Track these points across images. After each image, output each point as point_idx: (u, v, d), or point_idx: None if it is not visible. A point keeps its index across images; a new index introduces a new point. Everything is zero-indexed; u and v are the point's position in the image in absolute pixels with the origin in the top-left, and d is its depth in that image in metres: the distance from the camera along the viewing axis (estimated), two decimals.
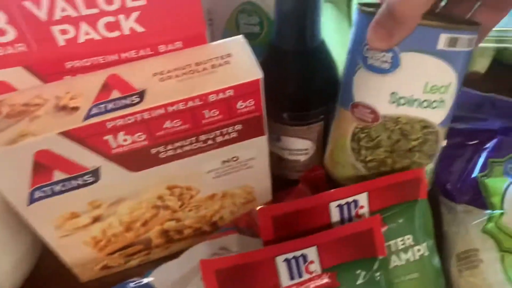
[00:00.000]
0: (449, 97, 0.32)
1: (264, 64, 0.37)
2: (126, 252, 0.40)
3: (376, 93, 0.32)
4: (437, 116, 0.32)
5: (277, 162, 0.43)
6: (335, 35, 0.49)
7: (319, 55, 0.36)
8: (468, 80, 0.53)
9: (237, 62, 0.31)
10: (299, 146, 0.40)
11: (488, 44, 0.50)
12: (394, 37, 0.28)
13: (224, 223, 0.41)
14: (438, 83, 0.31)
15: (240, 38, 0.33)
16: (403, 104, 0.31)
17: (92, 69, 0.32)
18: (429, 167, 0.36)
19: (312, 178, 0.42)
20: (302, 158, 0.41)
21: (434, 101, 0.31)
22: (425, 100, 0.31)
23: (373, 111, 0.32)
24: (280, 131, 0.39)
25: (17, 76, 0.31)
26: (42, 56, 0.30)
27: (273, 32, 0.36)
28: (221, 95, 0.30)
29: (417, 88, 0.31)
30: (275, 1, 0.32)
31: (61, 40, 0.30)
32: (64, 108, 0.29)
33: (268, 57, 0.37)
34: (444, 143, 0.36)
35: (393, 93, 0.31)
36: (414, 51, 0.29)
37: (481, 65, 0.52)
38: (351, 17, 0.52)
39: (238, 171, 0.36)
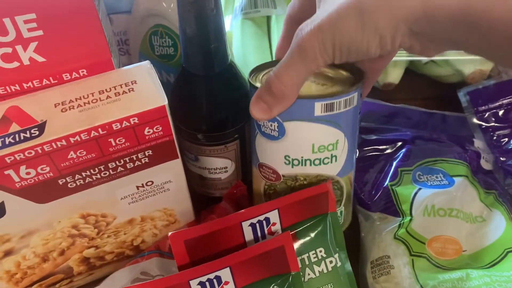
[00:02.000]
0: (340, 151, 0.34)
1: (176, 86, 0.38)
2: (46, 283, 0.39)
3: (273, 156, 0.35)
4: (332, 169, 0.35)
5: (199, 181, 0.43)
6: (255, 52, 0.50)
7: (227, 77, 0.37)
8: (383, 91, 0.56)
9: (142, 89, 0.31)
10: (218, 165, 0.41)
11: (400, 58, 0.52)
12: (273, 110, 0.31)
13: (147, 247, 0.41)
14: (325, 143, 0.33)
15: (147, 63, 0.33)
16: (297, 165, 0.34)
17: None
18: (339, 210, 0.38)
19: (234, 196, 0.43)
20: (223, 176, 0.42)
21: (325, 158, 0.34)
22: (316, 159, 0.34)
23: (274, 171, 0.36)
24: (197, 151, 0.40)
25: None
26: None
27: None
28: (125, 123, 0.30)
29: (306, 150, 0.34)
30: (178, 27, 0.33)
31: None
32: None
33: (180, 79, 0.38)
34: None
35: (286, 156, 0.34)
36: (295, 120, 0.32)
37: (395, 76, 0.55)
38: (271, 34, 0.53)
39: (154, 194, 0.37)
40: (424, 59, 0.55)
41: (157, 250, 0.39)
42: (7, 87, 0.31)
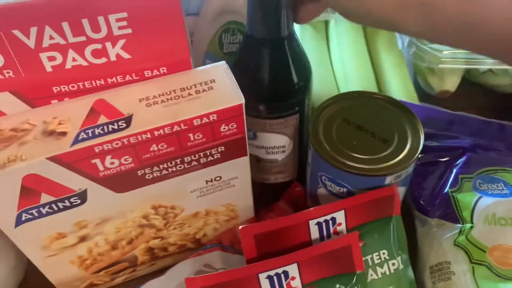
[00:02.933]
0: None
1: (239, 57, 0.38)
2: (112, 270, 0.41)
3: None
4: None
5: (255, 166, 0.43)
6: (314, 54, 0.51)
7: (290, 44, 0.37)
8: (439, 99, 0.56)
9: (220, 88, 0.33)
10: (276, 143, 0.41)
11: (457, 66, 0.52)
12: None
13: (207, 240, 0.42)
14: None
15: (223, 64, 0.35)
16: None
17: (79, 94, 0.33)
18: None
19: (292, 195, 0.44)
20: (280, 157, 0.42)
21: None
22: None
23: None
24: (257, 126, 0.40)
25: (4, 101, 0.32)
26: (29, 82, 0.31)
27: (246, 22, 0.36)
28: (205, 120, 0.31)
29: None
30: None
31: (48, 66, 0.31)
32: (52, 133, 0.30)
33: (243, 49, 0.38)
34: None
35: None
36: (366, 189, 0.37)
37: (451, 83, 0.55)
38: (329, 37, 0.54)
39: (221, 190, 0.38)
40: (481, 68, 0.54)
41: (219, 243, 0.40)
42: (93, 81, 0.33)
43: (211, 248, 0.40)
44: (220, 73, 0.34)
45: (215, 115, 0.31)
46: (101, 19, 0.29)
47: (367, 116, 0.38)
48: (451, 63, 0.50)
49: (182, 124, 0.31)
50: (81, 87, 0.33)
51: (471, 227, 0.40)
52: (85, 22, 0.29)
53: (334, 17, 0.54)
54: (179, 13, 0.31)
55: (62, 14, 0.29)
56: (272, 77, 0.38)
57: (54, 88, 0.32)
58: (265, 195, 0.44)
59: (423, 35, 0.30)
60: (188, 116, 0.31)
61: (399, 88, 0.48)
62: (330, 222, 0.34)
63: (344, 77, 0.48)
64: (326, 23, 0.55)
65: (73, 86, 0.33)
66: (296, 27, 0.55)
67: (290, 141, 0.42)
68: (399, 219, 0.36)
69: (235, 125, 0.33)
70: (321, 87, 0.48)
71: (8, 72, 0.30)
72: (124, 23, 0.30)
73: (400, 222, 0.36)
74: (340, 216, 0.34)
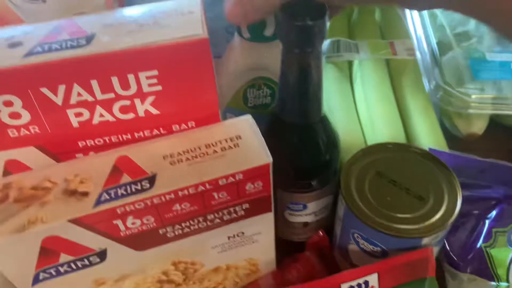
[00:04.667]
0: None
1: (271, 136, 0.38)
2: None
3: None
4: None
5: (296, 229, 0.43)
6: (336, 96, 0.50)
7: (322, 126, 0.37)
8: (467, 142, 0.54)
9: (246, 145, 0.31)
10: (323, 204, 0.41)
11: (486, 111, 0.51)
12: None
13: None
14: None
15: (249, 118, 0.33)
16: None
17: (105, 148, 0.32)
18: None
19: (318, 245, 0.42)
20: (325, 214, 0.42)
21: None
22: None
23: None
24: (307, 199, 0.39)
25: (29, 155, 0.31)
26: (55, 137, 0.30)
27: (277, 104, 0.36)
28: (230, 179, 0.30)
29: None
30: (279, 75, 0.33)
31: (75, 122, 0.30)
32: (73, 193, 0.29)
33: (273, 128, 0.37)
34: None
35: None
36: (401, 250, 0.35)
37: (479, 127, 0.53)
38: (353, 78, 0.53)
39: (243, 245, 0.36)
40: (510, 113, 0.52)
41: None
42: (119, 136, 0.32)
43: None
44: (246, 128, 0.33)
45: (241, 175, 0.30)
46: (131, 77, 0.29)
47: (401, 170, 0.37)
48: (479, 108, 0.48)
49: (207, 184, 0.30)
50: (107, 141, 0.32)
51: (508, 287, 0.38)
52: (114, 79, 0.28)
53: (358, 57, 0.53)
54: (210, 69, 0.30)
55: (91, 72, 0.28)
56: (307, 162, 0.37)
57: (79, 142, 0.31)
58: (290, 247, 0.43)
59: None
60: (213, 176, 0.30)
61: (428, 134, 0.46)
62: (363, 285, 0.33)
63: (371, 124, 0.47)
64: (350, 63, 0.54)
65: (99, 141, 0.32)
66: None
67: (331, 196, 0.41)
68: (433, 281, 0.34)
69: (261, 184, 0.32)
70: (346, 134, 0.46)
71: (34, 128, 0.30)
72: (154, 80, 0.29)
73: (434, 284, 0.34)
74: (373, 279, 0.33)
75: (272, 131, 0.38)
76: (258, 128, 0.33)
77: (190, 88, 0.30)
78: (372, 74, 0.51)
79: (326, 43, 0.54)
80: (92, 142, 0.32)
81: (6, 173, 0.31)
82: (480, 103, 0.50)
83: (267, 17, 0.35)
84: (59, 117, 0.29)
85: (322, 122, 0.37)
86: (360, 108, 0.49)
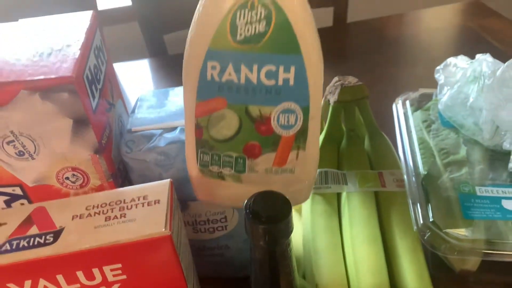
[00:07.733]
0: None
1: None
2: None
3: None
4: None
5: None
6: (324, 235, 0.50)
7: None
8: (461, 276, 0.53)
9: None
10: None
11: (477, 246, 0.49)
12: None
13: None
14: None
15: None
16: None
17: None
18: None
19: None
20: None
21: None
22: None
23: None
24: None
25: None
26: None
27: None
28: None
29: None
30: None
31: None
32: None
33: None
34: None
35: None
36: None
37: (472, 263, 0.51)
38: (341, 212, 0.53)
39: None
40: (504, 253, 0.51)
41: None
42: None
43: None
44: None
45: None
46: (95, 270, 0.29)
47: None
48: (469, 252, 0.47)
49: None
50: None
51: None
52: (79, 273, 0.29)
53: (346, 189, 0.53)
54: (175, 261, 0.30)
55: (57, 269, 0.29)
56: None
57: None
58: None
59: None
60: None
61: (414, 280, 0.45)
62: None
63: (355, 267, 0.46)
64: (338, 195, 0.54)
65: None
66: (308, 200, 0.54)
67: None
68: None
69: None
70: (331, 276, 0.45)
71: None
72: (119, 271, 0.30)
73: None
74: None
75: None
76: None
77: (155, 276, 0.31)
78: (360, 210, 0.51)
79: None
80: None
81: None
82: (471, 243, 0.48)
83: None
84: None
85: None
86: (347, 248, 0.49)
